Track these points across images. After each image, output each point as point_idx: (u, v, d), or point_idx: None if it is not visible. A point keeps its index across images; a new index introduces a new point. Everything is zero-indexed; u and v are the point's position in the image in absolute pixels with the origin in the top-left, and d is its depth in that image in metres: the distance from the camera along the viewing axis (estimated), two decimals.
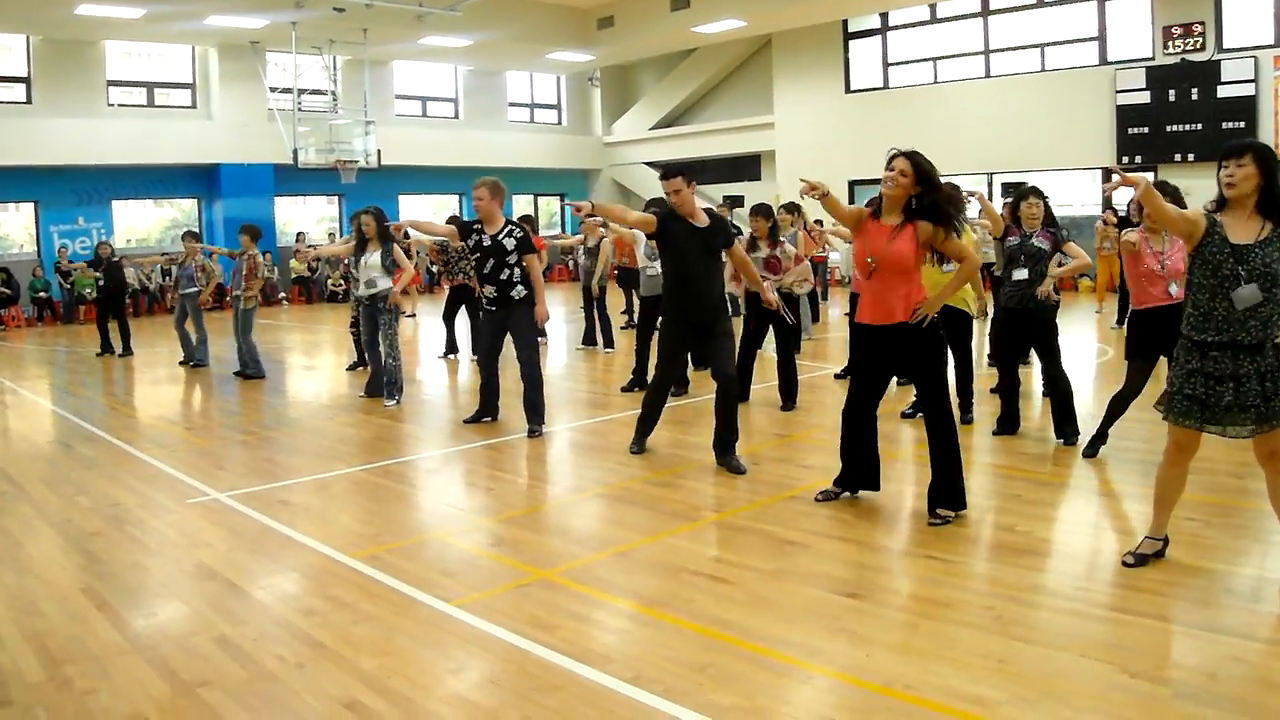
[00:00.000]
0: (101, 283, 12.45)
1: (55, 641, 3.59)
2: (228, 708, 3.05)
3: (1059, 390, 6.10)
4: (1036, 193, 6.22)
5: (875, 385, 4.84)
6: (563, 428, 7.35)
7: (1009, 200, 7.40)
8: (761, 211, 7.78)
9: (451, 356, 11.13)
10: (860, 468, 4.97)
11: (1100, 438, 5.80)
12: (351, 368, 10.37)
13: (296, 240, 20.39)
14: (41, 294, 17.89)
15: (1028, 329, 6.19)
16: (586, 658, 3.31)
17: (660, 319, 6.19)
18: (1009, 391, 6.40)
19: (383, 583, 4.11)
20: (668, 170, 5.85)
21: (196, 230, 11.94)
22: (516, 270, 6.86)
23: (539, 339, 8.28)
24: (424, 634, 3.61)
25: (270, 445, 7.04)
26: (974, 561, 4.18)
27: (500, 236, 6.86)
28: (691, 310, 5.86)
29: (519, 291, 6.87)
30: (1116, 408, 5.70)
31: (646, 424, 6.35)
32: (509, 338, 7.02)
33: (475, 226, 6.95)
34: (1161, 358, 5.29)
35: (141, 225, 20.21)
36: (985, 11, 18.54)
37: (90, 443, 7.24)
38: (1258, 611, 3.50)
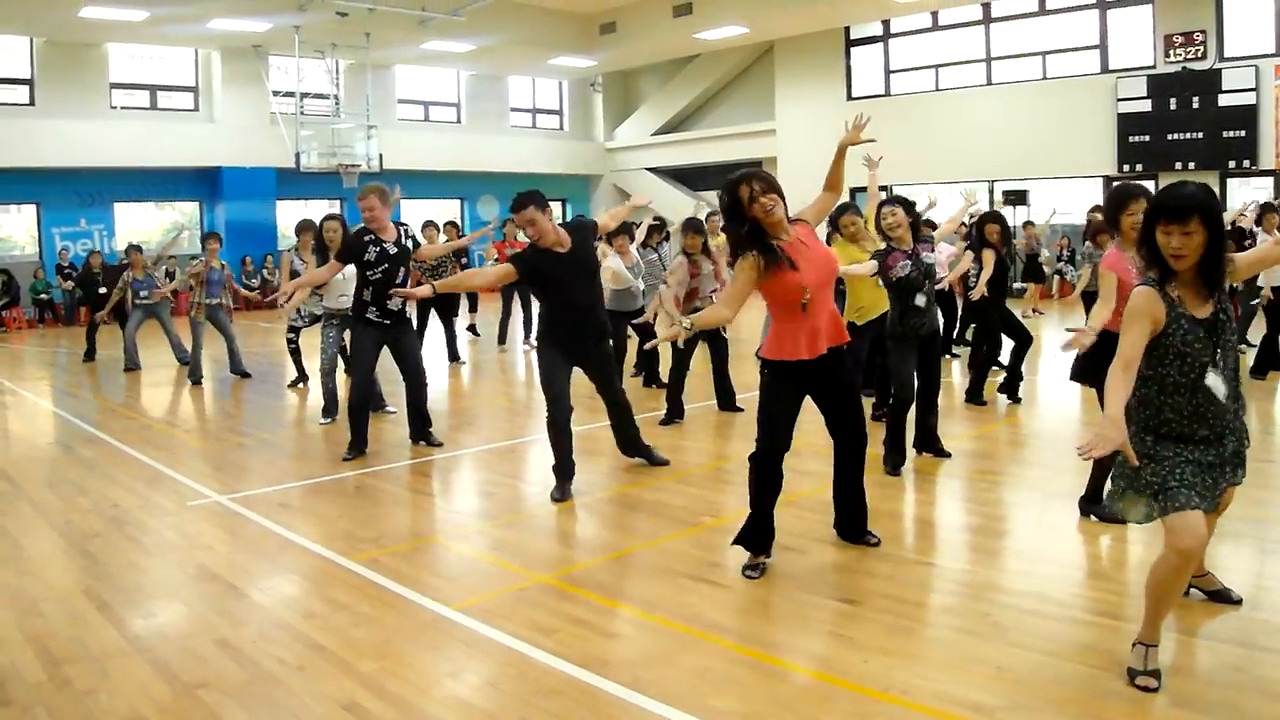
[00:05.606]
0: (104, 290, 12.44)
1: (55, 642, 3.60)
2: (227, 709, 3.06)
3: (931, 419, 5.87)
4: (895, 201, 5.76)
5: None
6: None
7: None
8: (692, 226, 7.48)
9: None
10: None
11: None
12: (293, 384, 9.71)
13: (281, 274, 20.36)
14: (43, 296, 17.93)
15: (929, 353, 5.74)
16: (585, 662, 3.32)
17: (539, 353, 5.60)
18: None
19: (382, 586, 4.12)
20: (518, 201, 5.20)
21: (138, 244, 11.69)
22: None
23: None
24: (423, 637, 3.62)
25: (270, 448, 7.05)
26: (971, 568, 4.19)
27: (404, 241, 6.37)
28: (574, 339, 5.47)
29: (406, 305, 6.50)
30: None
31: (565, 466, 5.52)
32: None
33: (367, 239, 6.22)
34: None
35: (143, 228, 20.24)
36: (987, 19, 18.60)
37: (90, 444, 7.25)
38: (1254, 619, 3.51)
